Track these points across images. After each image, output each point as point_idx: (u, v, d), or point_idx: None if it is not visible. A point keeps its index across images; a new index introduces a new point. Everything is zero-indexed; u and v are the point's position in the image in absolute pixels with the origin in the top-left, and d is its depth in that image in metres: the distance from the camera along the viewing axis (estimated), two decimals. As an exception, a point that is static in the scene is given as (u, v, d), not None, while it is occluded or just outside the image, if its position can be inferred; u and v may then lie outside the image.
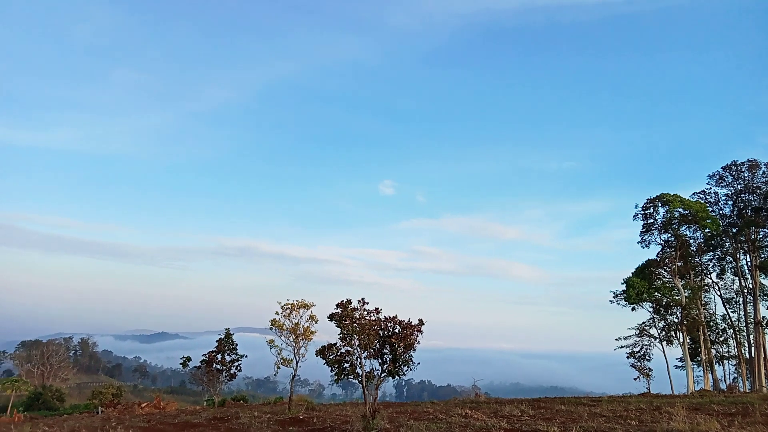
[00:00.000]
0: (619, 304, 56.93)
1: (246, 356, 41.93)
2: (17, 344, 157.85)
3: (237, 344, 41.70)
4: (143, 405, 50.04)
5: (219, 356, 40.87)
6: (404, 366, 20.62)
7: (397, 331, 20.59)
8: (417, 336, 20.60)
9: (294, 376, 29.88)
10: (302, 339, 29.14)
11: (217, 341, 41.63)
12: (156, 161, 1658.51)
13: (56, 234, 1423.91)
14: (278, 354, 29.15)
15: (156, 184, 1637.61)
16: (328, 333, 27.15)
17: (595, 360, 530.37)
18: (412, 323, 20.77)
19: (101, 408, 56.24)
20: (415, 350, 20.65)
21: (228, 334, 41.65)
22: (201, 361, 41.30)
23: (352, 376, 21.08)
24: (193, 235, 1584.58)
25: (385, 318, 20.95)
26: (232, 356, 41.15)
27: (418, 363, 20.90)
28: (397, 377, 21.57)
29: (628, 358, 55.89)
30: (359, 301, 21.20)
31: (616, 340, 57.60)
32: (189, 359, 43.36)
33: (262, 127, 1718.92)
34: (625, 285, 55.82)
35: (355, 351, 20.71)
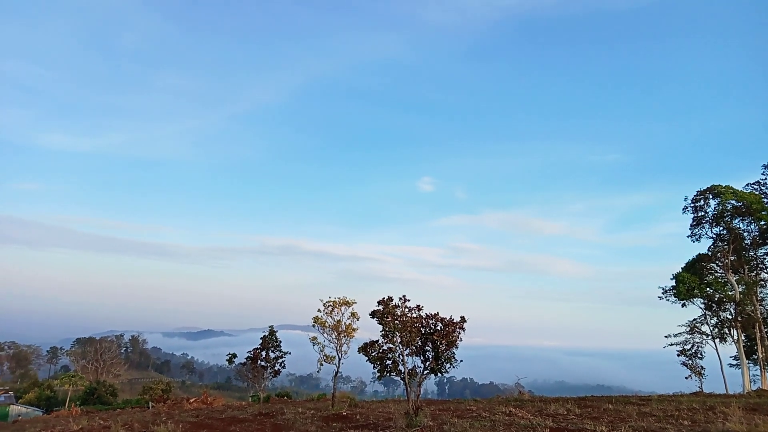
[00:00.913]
0: (668, 300, 55.02)
1: (289, 353, 42.53)
2: (73, 341, 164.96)
3: (281, 341, 42.36)
4: (191, 400, 51.57)
5: (263, 353, 41.61)
6: (447, 363, 20.52)
7: (438, 328, 20.52)
8: (459, 333, 20.47)
9: (337, 372, 30.11)
10: (344, 336, 29.35)
11: (261, 338, 42.38)
12: (199, 163, 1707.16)
13: (107, 235, 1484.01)
14: (321, 351, 29.42)
15: (199, 185, 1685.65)
16: (369, 330, 27.27)
17: (642, 358, 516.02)
18: (454, 320, 20.66)
19: (152, 403, 58.26)
20: (457, 347, 20.54)
21: (272, 332, 42.34)
22: (246, 358, 42.14)
23: (394, 373, 21.14)
24: (236, 235, 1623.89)
25: (427, 315, 20.92)
26: (276, 353, 41.80)
27: (461, 360, 20.75)
28: (439, 374, 21.47)
29: (678, 355, 53.98)
30: (400, 298, 21.24)
31: (666, 337, 55.71)
32: (235, 356, 44.34)
33: (300, 127, 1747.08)
34: (674, 280, 53.90)
35: (397, 348, 20.76)
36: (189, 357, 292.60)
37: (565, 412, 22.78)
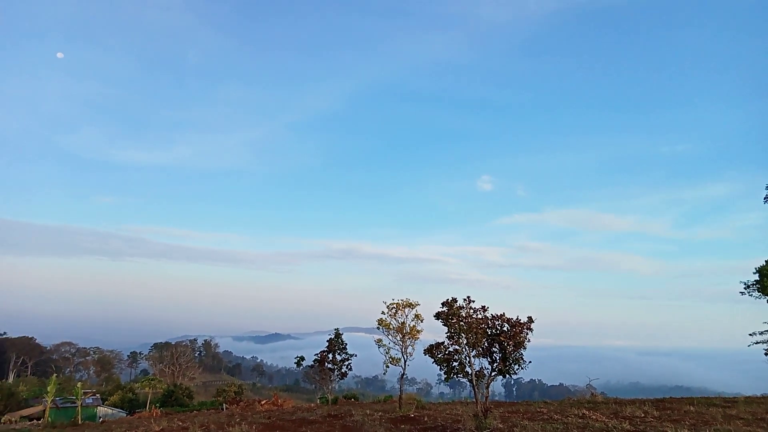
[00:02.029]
0: (751, 295, 51.68)
1: (356, 355, 43.00)
2: (150, 346, 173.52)
3: (346, 344, 42.90)
4: (263, 402, 53.11)
5: (330, 356, 42.27)
6: (515, 365, 20.16)
7: (505, 329, 20.19)
8: (527, 334, 20.07)
9: (403, 374, 30.21)
10: (409, 338, 29.42)
11: (327, 341, 43.07)
12: (261, 172, 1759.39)
13: (178, 244, 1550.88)
14: (386, 353, 29.62)
15: (263, 193, 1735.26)
16: (433, 332, 27.18)
17: (724, 357, 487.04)
18: (521, 321, 20.27)
19: (225, 405, 60.43)
20: (525, 348, 20.13)
21: (337, 334, 42.95)
22: (314, 361, 42.96)
23: (461, 375, 20.97)
24: (299, 240, 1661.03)
25: (493, 316, 20.63)
26: (343, 355, 42.36)
27: (530, 362, 20.32)
28: (507, 376, 21.11)
29: (766, 354, 50.61)
30: (465, 299, 21.05)
31: (751, 335, 52.31)
32: (302, 359, 45.31)
33: (357, 132, 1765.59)
34: (758, 274, 50.57)
35: (464, 349, 20.58)
36: (258, 360, 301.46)
37: (643, 415, 21.78)
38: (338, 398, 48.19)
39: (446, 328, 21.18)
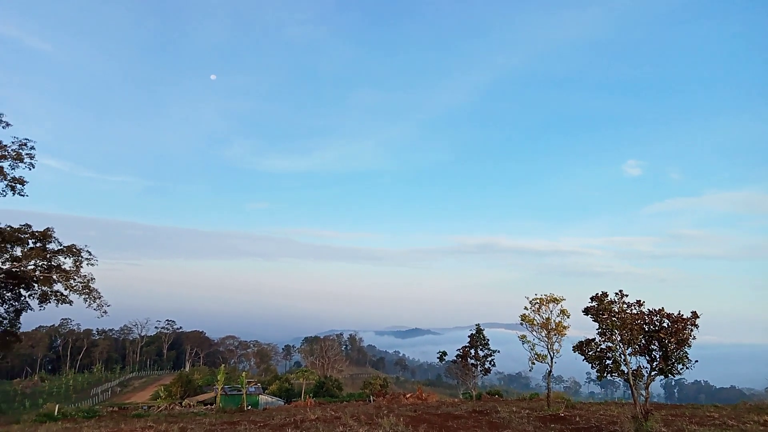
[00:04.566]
0: None
1: (498, 351, 42.39)
2: (302, 340, 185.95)
3: (488, 339, 42.46)
4: (407, 395, 54.31)
5: (472, 351, 42.11)
6: (678, 364, 18.47)
7: (665, 325, 18.58)
8: (691, 330, 18.29)
9: (550, 372, 29.09)
10: (555, 334, 28.25)
11: (468, 336, 42.95)
12: (397, 172, 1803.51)
13: (323, 244, 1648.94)
14: (531, 349, 28.71)
15: (399, 192, 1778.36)
16: (580, 328, 25.87)
17: None
18: (683, 316, 18.52)
19: (372, 397, 62.75)
20: (690, 346, 18.36)
21: (479, 330, 42.66)
22: (456, 356, 43.08)
23: (615, 374, 19.70)
24: (435, 236, 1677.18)
25: (650, 311, 19.11)
26: (485, 351, 41.99)
27: (696, 361, 18.48)
28: (669, 376, 19.41)
29: None
30: (617, 293, 19.74)
31: None
32: (445, 354, 45.64)
33: (491, 124, 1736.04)
34: None
35: (617, 347, 19.31)
36: (401, 354, 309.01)
37: (843, 425, 18.79)
38: (482, 394, 47.69)
39: (596, 324, 20.04)
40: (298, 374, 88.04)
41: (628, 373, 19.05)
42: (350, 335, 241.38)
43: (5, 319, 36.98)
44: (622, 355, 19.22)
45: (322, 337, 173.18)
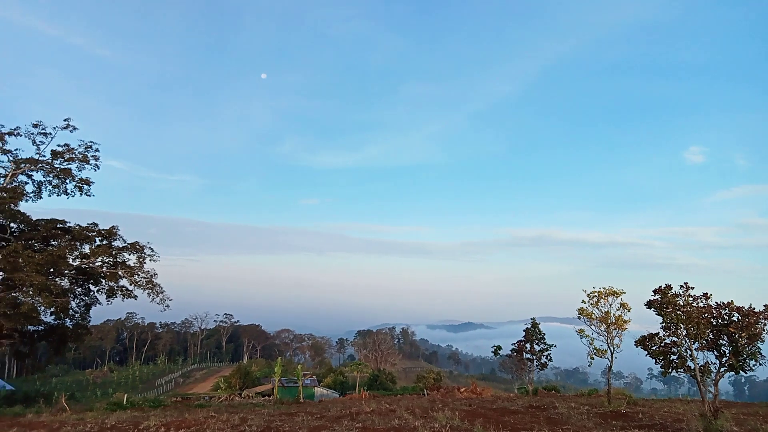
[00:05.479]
0: None
1: (555, 346, 41.51)
2: (354, 333, 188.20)
3: (544, 334, 41.61)
4: (462, 390, 54.01)
5: (528, 345, 41.38)
6: (750, 360, 17.52)
7: (735, 319, 17.65)
8: (764, 325, 17.31)
9: (610, 367, 28.22)
10: (615, 328, 27.36)
11: (524, 330, 42.24)
12: (447, 164, 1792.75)
13: (374, 238, 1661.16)
14: (590, 344, 27.92)
15: (449, 185, 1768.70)
16: (641, 322, 24.97)
17: None
18: (755, 309, 17.53)
19: (426, 390, 62.75)
20: (763, 341, 17.38)
21: (534, 324, 41.88)
22: (511, 350, 42.46)
23: (681, 370, 18.89)
24: (486, 229, 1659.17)
25: (717, 304, 18.19)
26: (541, 345, 41.18)
27: (769, 357, 17.51)
28: (740, 373, 18.45)
29: None
30: (681, 285, 18.91)
31: None
32: (499, 348, 45.09)
33: (544, 113, 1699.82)
34: None
35: (683, 342, 18.50)
36: (453, 348, 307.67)
37: None
38: (538, 389, 46.83)
39: (659, 319, 19.26)
40: (352, 367, 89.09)
41: (694, 369, 18.23)
42: (402, 329, 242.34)
43: (77, 313, 39.00)
44: (688, 351, 18.40)
45: (374, 330, 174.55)
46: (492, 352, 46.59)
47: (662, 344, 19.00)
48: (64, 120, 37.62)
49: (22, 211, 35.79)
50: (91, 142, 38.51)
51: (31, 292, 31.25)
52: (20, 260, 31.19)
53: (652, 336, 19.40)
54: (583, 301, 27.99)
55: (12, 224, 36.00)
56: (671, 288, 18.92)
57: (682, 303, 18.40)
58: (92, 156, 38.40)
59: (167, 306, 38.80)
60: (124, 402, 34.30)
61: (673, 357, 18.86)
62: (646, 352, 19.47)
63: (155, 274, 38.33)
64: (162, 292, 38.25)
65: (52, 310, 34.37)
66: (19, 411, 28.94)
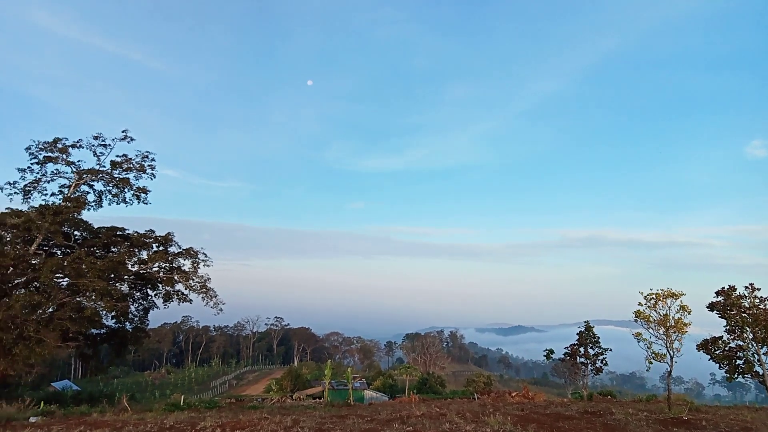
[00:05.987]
0: None
1: (610, 350, 40.26)
2: (403, 336, 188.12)
3: (599, 337, 40.44)
4: (513, 394, 53.05)
5: (582, 349, 40.31)
6: (825, 365, 16.48)
7: (807, 321, 16.65)
8: (840, 328, 16.25)
9: (670, 372, 27.09)
10: (674, 332, 26.26)
11: (577, 334, 41.19)
12: (494, 165, 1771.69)
13: (420, 241, 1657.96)
14: (648, 348, 26.89)
15: (496, 185, 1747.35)
16: (702, 325, 23.87)
17: None
18: (830, 312, 16.49)
19: (476, 394, 61.99)
20: (839, 346, 16.32)
21: (588, 327, 40.77)
22: (564, 354, 41.47)
23: (748, 375, 17.94)
24: (536, 230, 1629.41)
25: (787, 306, 17.21)
26: (596, 349, 40.03)
27: None
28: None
29: None
30: (746, 287, 17.96)
31: None
32: (552, 352, 44.06)
33: (595, 110, 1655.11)
34: None
35: (750, 346, 17.58)
36: (503, 352, 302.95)
37: None
38: (593, 394, 45.44)
39: (723, 321, 18.37)
40: (401, 370, 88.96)
41: (763, 374, 17.27)
42: (451, 332, 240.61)
43: (136, 316, 40.66)
44: (756, 355, 17.46)
45: (423, 333, 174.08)
46: (544, 355, 45.55)
47: (726, 348, 18.11)
48: (122, 131, 39.40)
49: (84, 219, 37.65)
50: (147, 152, 40.14)
51: (93, 297, 32.77)
52: (83, 266, 32.76)
53: (715, 339, 18.53)
54: (639, 304, 27.02)
55: (76, 232, 37.96)
56: (735, 289, 18.00)
57: (747, 305, 17.49)
58: (148, 165, 39.98)
59: (220, 310, 39.82)
60: (181, 403, 35.37)
61: (739, 361, 17.94)
62: (710, 357, 18.58)
63: (209, 279, 39.42)
64: (215, 296, 39.29)
65: (113, 314, 35.87)
66: (84, 410, 30.31)
